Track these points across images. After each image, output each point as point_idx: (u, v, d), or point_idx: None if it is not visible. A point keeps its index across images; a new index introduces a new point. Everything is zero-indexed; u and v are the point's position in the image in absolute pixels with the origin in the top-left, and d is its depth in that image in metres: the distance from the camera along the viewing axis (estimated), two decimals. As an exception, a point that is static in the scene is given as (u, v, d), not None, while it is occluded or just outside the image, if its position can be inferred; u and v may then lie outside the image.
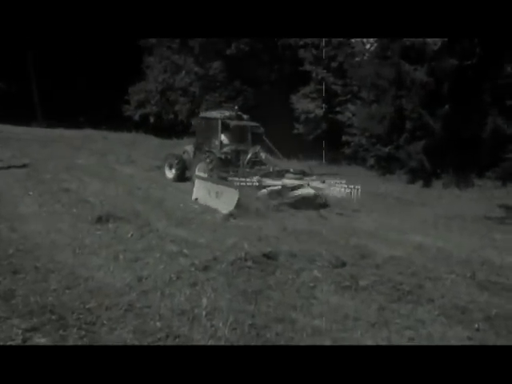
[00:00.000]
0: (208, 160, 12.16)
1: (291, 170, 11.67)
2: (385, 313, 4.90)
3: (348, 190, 10.79)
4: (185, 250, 6.42)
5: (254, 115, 23.15)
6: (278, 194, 10.60)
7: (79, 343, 3.80)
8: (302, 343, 4.11)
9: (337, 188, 10.99)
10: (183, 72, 28.10)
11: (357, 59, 22.66)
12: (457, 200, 14.35)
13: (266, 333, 4.24)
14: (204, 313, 4.49)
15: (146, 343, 3.89)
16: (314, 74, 22.75)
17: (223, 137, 12.68)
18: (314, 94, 22.83)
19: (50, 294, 4.69)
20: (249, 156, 12.14)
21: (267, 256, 6.25)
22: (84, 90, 29.34)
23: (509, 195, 14.66)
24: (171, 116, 28.96)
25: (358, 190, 10.73)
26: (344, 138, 21.10)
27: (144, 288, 5.04)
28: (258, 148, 12.40)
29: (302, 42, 23.32)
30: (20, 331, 3.90)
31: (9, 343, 3.71)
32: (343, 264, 6.28)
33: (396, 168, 18.67)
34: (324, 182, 11.22)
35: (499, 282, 6.07)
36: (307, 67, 22.84)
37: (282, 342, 4.10)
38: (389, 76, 18.15)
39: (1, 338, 3.76)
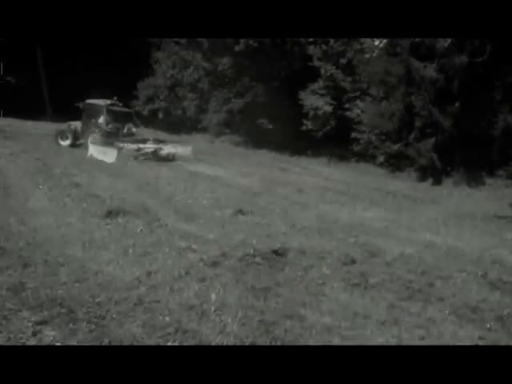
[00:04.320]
0: (99, 132, 17.74)
1: (151, 138, 18.10)
2: (395, 311, 4.86)
3: (182, 151, 17.49)
4: (193, 246, 6.42)
5: (262, 111, 23.22)
6: (143, 152, 16.71)
7: (88, 337, 3.81)
8: (310, 340, 4.09)
9: (178, 149, 17.57)
10: (192, 68, 28.09)
11: (366, 56, 22.50)
12: (467, 198, 14.25)
13: (275, 329, 4.23)
14: (213, 308, 4.49)
15: (155, 338, 3.89)
16: (322, 71, 22.61)
17: (107, 117, 18.19)
18: (323, 90, 22.69)
19: (60, 288, 4.70)
20: (125, 130, 18.24)
21: (276, 252, 6.24)
22: (93, 85, 29.38)
23: (520, 194, 14.53)
24: (180, 111, 28.98)
25: (190, 149, 17.73)
26: (353, 134, 20.97)
27: (153, 282, 5.04)
28: (130, 125, 18.73)
29: (310, 39, 23.18)
30: (30, 324, 3.91)
31: (19, 336, 3.73)
32: (352, 261, 6.25)
33: (406, 165, 18.56)
34: (168, 145, 17.75)
35: (511, 282, 6.01)
36: (316, 63, 22.71)
37: (291, 339, 4.08)
38: (398, 73, 18.04)
39: (11, 331, 3.78)
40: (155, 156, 16.58)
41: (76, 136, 18.66)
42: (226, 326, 4.17)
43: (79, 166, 13.30)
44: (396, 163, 19.11)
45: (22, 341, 3.67)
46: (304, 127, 22.52)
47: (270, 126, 23.42)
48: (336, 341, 4.11)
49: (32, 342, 3.67)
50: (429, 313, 4.87)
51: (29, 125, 24.15)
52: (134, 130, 18.62)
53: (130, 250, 6.06)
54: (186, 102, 28.56)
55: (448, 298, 5.28)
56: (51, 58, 30.51)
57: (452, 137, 16.92)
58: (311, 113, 22.34)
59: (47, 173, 11.54)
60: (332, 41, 22.50)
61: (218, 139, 25.61)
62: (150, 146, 17.03)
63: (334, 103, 22.16)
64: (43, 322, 3.96)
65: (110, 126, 18.12)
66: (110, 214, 7.66)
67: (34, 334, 3.77)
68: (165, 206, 9.10)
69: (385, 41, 20.34)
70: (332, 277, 5.67)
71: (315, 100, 22.39)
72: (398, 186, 15.64)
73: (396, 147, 18.73)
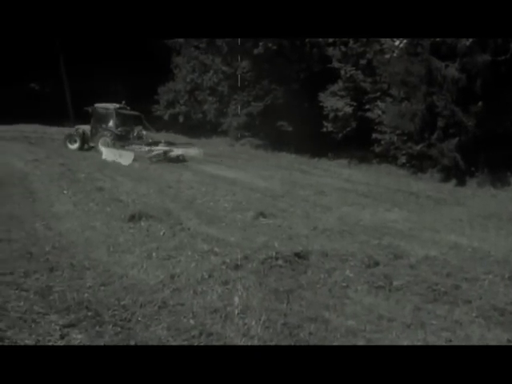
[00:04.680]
0: (109, 135, 18.50)
1: (162, 141, 18.55)
2: (420, 314, 4.80)
3: (194, 152, 18.26)
4: (216, 249, 6.44)
5: (282, 114, 23.20)
6: (155, 154, 17.12)
7: (115, 339, 3.85)
8: (335, 343, 4.06)
9: (189, 151, 18.36)
10: (211, 72, 28.24)
11: (386, 56, 22.30)
12: (492, 199, 13.99)
13: (299, 332, 4.21)
14: (236, 311, 4.49)
15: (180, 340, 3.91)
16: (342, 72, 22.48)
17: (116, 121, 18.87)
18: (343, 91, 22.56)
19: (86, 291, 4.78)
20: (135, 133, 18.97)
21: (298, 255, 6.21)
22: (114, 90, 29.83)
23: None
24: (200, 115, 29.16)
25: (201, 151, 18.39)
26: (374, 135, 20.78)
27: (177, 285, 5.08)
28: (140, 128, 19.35)
29: (330, 40, 23.09)
30: (58, 327, 3.97)
31: (48, 338, 3.79)
32: (376, 264, 6.18)
33: (428, 166, 18.31)
34: (180, 148, 18.49)
35: (539, 283, 5.87)
36: (335, 65, 22.60)
37: (316, 342, 4.06)
38: (419, 73, 17.84)
39: (40, 334, 3.84)
40: (166, 158, 17.07)
41: (84, 139, 19.28)
42: (249, 328, 4.17)
43: (102, 170, 13.50)
44: (418, 164, 18.86)
45: (50, 343, 3.73)
46: (324, 129, 22.42)
47: (290, 129, 23.38)
48: (361, 344, 4.07)
49: (60, 344, 3.72)
50: (455, 315, 4.80)
51: (53, 130, 24.59)
52: (144, 132, 19.24)
53: (154, 254, 6.12)
54: (205, 105, 28.72)
55: (475, 300, 5.18)
56: (74, 64, 31.05)
57: (476, 137, 16.65)
58: (331, 114, 22.23)
59: (71, 178, 11.75)
60: (351, 42, 22.37)
61: (238, 142, 25.68)
62: (161, 149, 17.56)
63: (354, 104, 22.01)
64: (70, 325, 4.02)
65: (119, 129, 18.81)
66: (133, 217, 7.75)
67: (62, 337, 3.83)
68: (186, 210, 9.17)
69: (405, 41, 20.14)
70: (355, 279, 5.62)
71: (335, 101, 22.28)
72: (421, 187, 15.44)
73: (418, 148, 18.49)
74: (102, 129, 18.93)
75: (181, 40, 28.49)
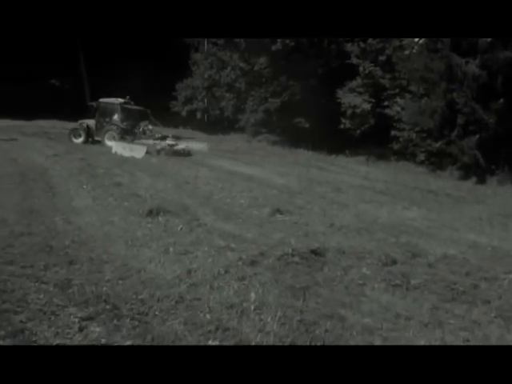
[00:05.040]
0: (115, 129, 19.04)
1: (170, 135, 19.10)
2: (438, 313, 4.76)
3: (199, 147, 19.34)
4: (232, 245, 6.47)
5: (299, 110, 23.11)
6: (161, 147, 17.50)
7: (132, 333, 3.90)
8: (351, 341, 4.05)
9: (195, 145, 19.25)
10: (229, 68, 28.27)
11: (406, 52, 22.06)
12: (513, 197, 13.75)
13: (315, 329, 4.21)
14: (252, 307, 4.50)
15: (196, 335, 3.94)
16: (361, 68, 22.31)
17: (121, 115, 19.39)
18: (361, 88, 22.38)
19: (105, 284, 4.83)
20: (140, 128, 19.30)
21: (314, 252, 6.20)
22: (133, 87, 30.06)
23: None
24: (217, 112, 29.24)
25: (206, 145, 19.75)
26: (392, 132, 20.59)
27: (193, 280, 5.11)
28: (146, 122, 19.71)
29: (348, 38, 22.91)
30: (77, 320, 4.03)
31: (66, 331, 3.85)
32: (393, 262, 6.14)
33: (448, 164, 18.07)
34: (186, 142, 19.39)
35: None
36: (354, 61, 22.43)
37: (332, 340, 4.05)
38: (439, 69, 17.62)
39: (59, 326, 3.91)
40: (172, 151, 17.47)
41: (89, 134, 19.72)
42: (265, 325, 4.18)
43: (121, 166, 13.62)
44: (437, 161, 18.63)
45: (69, 336, 3.79)
46: (342, 126, 22.29)
47: (307, 125, 23.30)
48: (377, 342, 4.05)
49: (78, 337, 3.78)
50: (474, 315, 4.74)
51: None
52: (150, 127, 19.58)
53: (171, 249, 6.16)
54: (223, 102, 28.79)
55: (494, 300, 5.12)
56: (93, 61, 31.39)
57: (496, 134, 16.39)
58: (349, 111, 22.08)
59: (91, 173, 11.88)
60: (370, 38, 22.17)
61: (255, 139, 25.67)
62: (167, 143, 18.08)
63: (373, 101, 21.83)
64: (89, 318, 4.08)
65: (124, 123, 19.36)
66: (151, 212, 7.81)
67: (81, 330, 3.88)
68: (203, 205, 9.21)
69: (425, 37, 19.87)
70: (372, 277, 5.59)
71: (353, 98, 22.12)
72: (440, 184, 15.24)
73: (437, 145, 18.27)
74: (108, 123, 19.42)
75: (199, 36, 28.57)
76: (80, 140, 19.69)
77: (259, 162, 17.66)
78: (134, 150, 16.64)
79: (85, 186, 10.12)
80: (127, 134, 19.04)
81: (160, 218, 7.64)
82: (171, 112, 30.75)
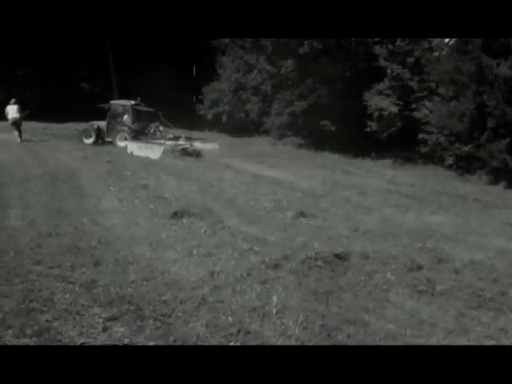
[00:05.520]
0: (127, 130, 19.53)
1: (183, 136, 20.01)
2: (464, 320, 4.66)
3: (210, 147, 19.71)
4: (255, 248, 6.48)
5: (325, 113, 22.99)
6: (173, 147, 17.94)
7: (155, 334, 3.95)
8: (374, 347, 4.00)
9: (206, 146, 19.51)
10: (255, 71, 28.34)
11: (435, 54, 21.70)
12: (544, 203, 13.35)
13: (338, 334, 4.18)
14: (274, 310, 4.50)
15: (218, 337, 3.96)
16: (388, 70, 22.02)
17: (133, 116, 19.84)
18: (389, 90, 22.08)
19: (129, 286, 4.90)
20: (152, 129, 20.00)
21: (338, 256, 6.15)
22: (160, 90, 30.49)
23: None
24: (243, 115, 29.34)
25: (216, 145, 20.33)
26: (420, 135, 20.24)
27: (216, 283, 5.14)
28: (157, 123, 20.30)
29: (376, 38, 22.68)
30: (101, 320, 4.11)
31: (91, 331, 3.93)
32: (419, 267, 6.04)
33: (476, 168, 17.65)
34: (197, 142, 19.51)
35: None
36: (382, 63, 22.16)
37: (354, 345, 4.01)
38: (469, 71, 17.25)
39: (84, 325, 3.99)
40: (184, 151, 17.86)
41: (99, 134, 20.22)
42: (287, 328, 4.17)
43: (147, 168, 13.80)
44: (466, 165, 18.23)
45: (93, 336, 3.86)
46: (368, 128, 22.04)
47: (333, 128, 23.13)
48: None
49: (102, 337, 3.85)
50: (500, 323, 4.63)
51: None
52: (161, 128, 20.21)
53: (195, 251, 6.21)
54: (249, 105, 28.87)
55: (522, 308, 4.98)
56: (122, 64, 31.97)
57: (528, 138, 15.96)
58: (376, 114, 21.82)
59: (118, 175, 12.07)
60: (399, 40, 21.89)
61: (280, 141, 25.64)
62: (180, 143, 18.67)
63: (401, 103, 21.52)
64: (113, 319, 4.15)
65: (135, 124, 19.90)
66: (176, 215, 7.90)
67: (104, 330, 3.95)
68: (227, 208, 9.25)
69: (455, 38, 19.53)
70: (397, 283, 5.52)
71: (380, 100, 21.85)
72: (468, 189, 14.92)
73: (466, 148, 17.86)
74: (119, 124, 19.94)
75: (226, 40, 28.76)
76: (90, 140, 20.16)
77: (284, 165, 17.63)
78: (150, 150, 16.99)
79: (112, 188, 10.30)
80: (138, 134, 19.58)
81: (184, 221, 7.72)
82: (197, 115, 31.02)
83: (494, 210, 11.82)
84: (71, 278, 5.01)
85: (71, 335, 3.81)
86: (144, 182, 11.11)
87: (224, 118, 30.06)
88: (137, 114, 20.12)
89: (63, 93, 29.58)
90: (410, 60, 21.84)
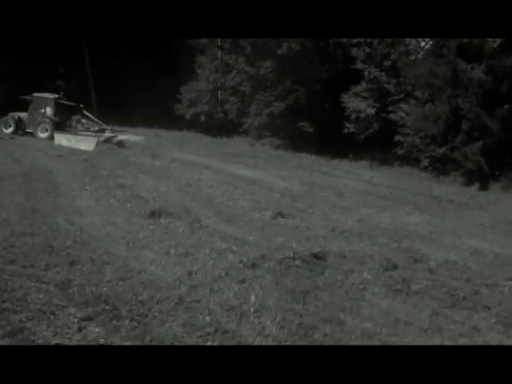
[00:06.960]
0: (48, 122, 20.56)
1: (109, 128, 20.91)
2: (438, 318, 4.74)
3: (135, 139, 21.07)
4: (233, 247, 6.46)
5: (304, 114, 23.17)
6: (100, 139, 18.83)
7: (131, 334, 3.90)
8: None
9: (131, 138, 20.82)
10: (234, 71, 28.35)
11: (411, 57, 22.09)
12: (516, 204, 13.69)
13: (314, 333, 4.20)
14: (252, 310, 4.50)
15: (195, 337, 3.93)
16: (366, 73, 22.34)
17: (55, 109, 20.85)
18: (366, 92, 22.42)
19: (105, 285, 4.83)
20: (73, 122, 21.04)
21: (316, 256, 6.18)
22: (138, 90, 30.20)
23: None
24: (221, 115, 29.31)
25: (142, 138, 21.69)
26: (396, 137, 20.58)
27: (194, 282, 5.10)
28: (78, 117, 21.29)
29: (354, 41, 22.95)
30: (76, 320, 4.03)
31: (66, 331, 3.85)
32: (394, 267, 6.12)
33: (451, 170, 18.05)
34: (123, 135, 20.97)
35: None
36: (359, 66, 22.45)
37: (331, 344, 4.04)
38: (444, 75, 17.64)
39: (58, 326, 3.91)
40: (109, 142, 19.24)
41: (19, 125, 21.19)
42: (264, 327, 4.17)
43: (124, 167, 13.66)
44: (441, 167, 18.61)
45: (68, 336, 3.79)
46: (345, 130, 22.31)
47: (311, 129, 23.33)
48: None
49: (77, 337, 3.78)
50: (474, 321, 4.72)
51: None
52: (83, 121, 21.33)
53: (172, 251, 6.16)
54: (227, 105, 28.87)
55: (494, 306, 5.09)
56: (98, 63, 31.54)
57: (500, 140, 16.37)
58: (353, 115, 22.12)
59: (94, 174, 11.92)
60: (376, 43, 22.20)
61: (259, 142, 25.70)
62: (105, 135, 19.99)
63: (377, 106, 21.86)
64: (88, 319, 4.07)
65: (57, 116, 20.98)
66: (153, 214, 7.82)
67: (80, 330, 3.88)
68: (205, 208, 9.22)
69: (431, 42, 19.92)
70: (373, 282, 5.58)
71: (358, 103, 22.16)
72: (443, 190, 15.21)
73: (441, 151, 18.26)
74: (40, 116, 20.95)
75: (205, 40, 28.71)
76: (9, 130, 21.01)
77: (262, 165, 17.67)
78: (81, 142, 17.78)
79: (88, 187, 10.15)
80: (59, 126, 20.49)
81: (162, 220, 7.65)
82: (175, 115, 30.84)
83: (467, 210, 12.08)
84: (45, 278, 4.90)
85: (45, 335, 3.73)
86: (121, 182, 10.99)
87: (202, 118, 29.98)
88: (59, 107, 21.10)
89: (38, 90, 28.99)
90: (387, 63, 22.21)
